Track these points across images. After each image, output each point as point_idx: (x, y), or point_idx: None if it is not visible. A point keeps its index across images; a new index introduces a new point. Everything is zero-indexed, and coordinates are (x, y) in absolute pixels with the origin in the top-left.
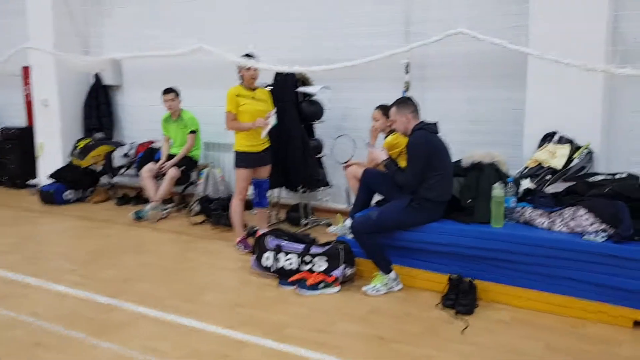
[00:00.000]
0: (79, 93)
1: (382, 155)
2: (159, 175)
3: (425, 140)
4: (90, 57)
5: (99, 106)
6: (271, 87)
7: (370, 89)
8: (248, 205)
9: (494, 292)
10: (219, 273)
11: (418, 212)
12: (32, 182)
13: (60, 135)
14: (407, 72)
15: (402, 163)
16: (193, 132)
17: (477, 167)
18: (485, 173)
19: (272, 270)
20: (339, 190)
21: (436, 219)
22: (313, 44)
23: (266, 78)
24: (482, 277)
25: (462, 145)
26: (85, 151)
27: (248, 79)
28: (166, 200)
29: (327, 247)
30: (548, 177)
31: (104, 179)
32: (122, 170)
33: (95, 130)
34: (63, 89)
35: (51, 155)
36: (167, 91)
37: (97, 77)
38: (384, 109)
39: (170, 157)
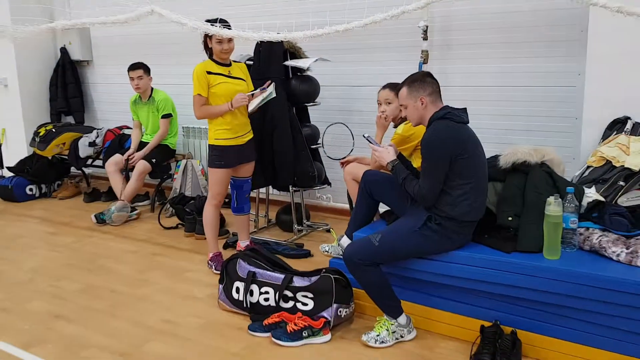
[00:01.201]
0: (43, 70)
1: (387, 155)
2: (127, 169)
3: (448, 135)
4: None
5: (66, 86)
6: (251, 59)
7: (377, 61)
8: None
9: (546, 350)
10: (177, 307)
11: (437, 235)
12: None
13: (23, 120)
14: (424, 38)
15: (418, 162)
16: (167, 116)
17: (521, 169)
18: (533, 178)
19: (244, 305)
20: (343, 188)
21: (463, 244)
22: (301, 6)
23: (245, 49)
24: (528, 327)
25: (498, 137)
26: (46, 139)
27: (218, 53)
28: (141, 196)
29: (314, 279)
30: (621, 182)
31: (75, 171)
32: (89, 162)
33: (63, 113)
34: (23, 65)
35: (14, 144)
36: (133, 67)
37: (64, 52)
38: (394, 89)
39: (143, 146)
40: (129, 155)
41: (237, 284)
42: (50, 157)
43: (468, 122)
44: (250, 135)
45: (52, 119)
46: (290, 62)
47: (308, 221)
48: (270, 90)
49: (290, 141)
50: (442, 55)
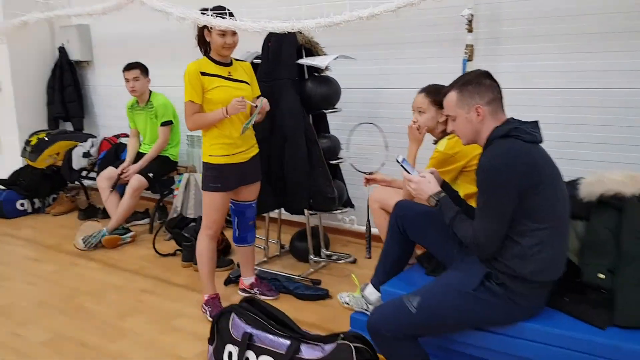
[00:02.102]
0: (39, 72)
1: (428, 187)
2: (116, 185)
3: (516, 160)
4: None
5: (64, 88)
6: (258, 58)
7: (409, 58)
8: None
9: None
10: None
11: (500, 300)
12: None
13: (17, 126)
14: (469, 29)
15: (465, 189)
16: (166, 123)
17: (612, 204)
18: (632, 217)
19: None
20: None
21: (535, 312)
22: None
23: (252, 44)
24: None
25: (563, 153)
26: (38, 149)
27: (219, 48)
28: (140, 214)
29: (329, 348)
30: None
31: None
32: (84, 174)
33: (60, 119)
34: (18, 67)
35: (10, 153)
36: (129, 67)
37: (62, 52)
38: (431, 95)
39: (140, 157)
40: (123, 169)
41: (230, 347)
42: (43, 169)
43: (541, 141)
44: (255, 151)
45: (49, 125)
46: (306, 61)
47: (327, 250)
48: (260, 107)
49: (304, 155)
50: (489, 50)
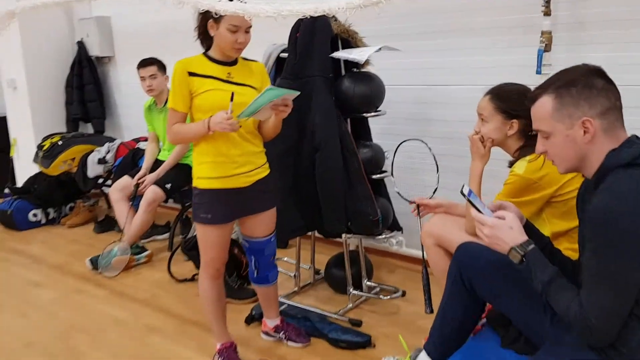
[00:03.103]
0: (57, 69)
1: (509, 234)
2: (135, 196)
3: None
4: None
5: (83, 87)
6: (286, 51)
7: (469, 48)
8: None
9: None
10: None
11: None
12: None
13: (32, 128)
14: (546, 12)
15: (552, 226)
16: None
17: None
18: None
19: None
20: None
21: None
22: None
23: (278, 36)
24: None
25: None
26: (51, 154)
27: (228, 48)
28: (161, 227)
29: None
30: None
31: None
32: (99, 182)
33: (80, 120)
34: (33, 64)
35: (26, 158)
36: (144, 63)
37: (81, 47)
38: (500, 99)
39: (158, 165)
40: (139, 179)
41: None
42: (58, 176)
43: None
44: (264, 173)
45: (67, 127)
46: (342, 54)
47: (370, 280)
48: (270, 92)
49: (340, 169)
50: (572, 38)
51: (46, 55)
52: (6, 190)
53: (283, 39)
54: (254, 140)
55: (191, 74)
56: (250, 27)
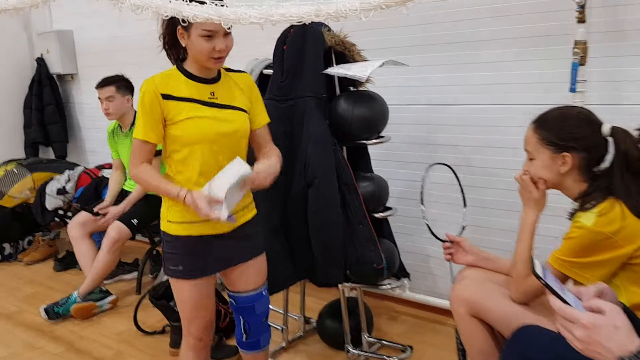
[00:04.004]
0: (13, 88)
1: (614, 338)
2: (96, 232)
3: None
4: None
5: (43, 108)
6: (270, 67)
7: (489, 62)
8: None
9: None
10: None
11: None
12: None
13: None
14: (580, 19)
15: (631, 296)
16: (156, 153)
17: None
18: None
19: None
20: (427, 270)
21: None
22: None
23: (259, 48)
24: None
25: None
26: (5, 184)
27: (205, 59)
28: (128, 265)
29: None
30: None
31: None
32: (57, 216)
33: (40, 144)
34: None
35: None
36: (101, 84)
37: (40, 64)
38: (545, 127)
39: (124, 196)
40: (100, 210)
41: None
42: (12, 207)
43: None
44: (249, 214)
45: (26, 153)
46: (338, 70)
47: (371, 335)
48: (239, 170)
49: (338, 208)
50: (611, 49)
51: (1, 73)
52: None
53: (266, 53)
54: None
55: (165, 96)
56: (230, 29)
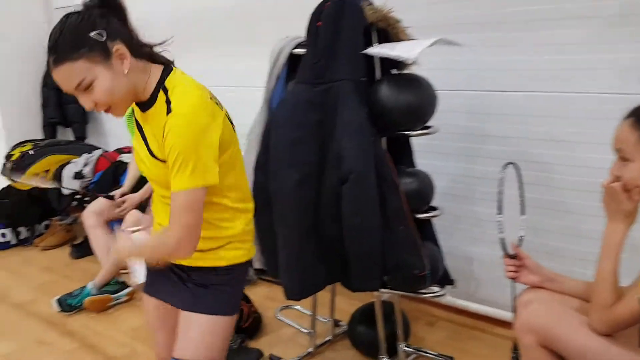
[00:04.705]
0: (31, 66)
1: None
2: (117, 220)
3: None
4: None
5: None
6: (302, 46)
7: (549, 44)
8: None
9: None
10: None
11: None
12: None
13: (4, 133)
14: None
15: None
16: None
17: None
18: None
19: None
20: (472, 279)
21: None
22: None
23: (292, 26)
24: None
25: None
26: (20, 166)
27: None
28: None
29: None
30: None
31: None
32: (74, 201)
33: (58, 125)
34: (3, 58)
35: None
36: None
37: None
38: None
39: (143, 183)
40: (120, 196)
41: None
42: (28, 190)
43: None
44: (204, 261)
45: (44, 133)
46: (382, 50)
47: (407, 342)
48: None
49: (375, 207)
50: None
51: (19, 50)
52: None
53: (298, 31)
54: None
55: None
56: (79, 84)
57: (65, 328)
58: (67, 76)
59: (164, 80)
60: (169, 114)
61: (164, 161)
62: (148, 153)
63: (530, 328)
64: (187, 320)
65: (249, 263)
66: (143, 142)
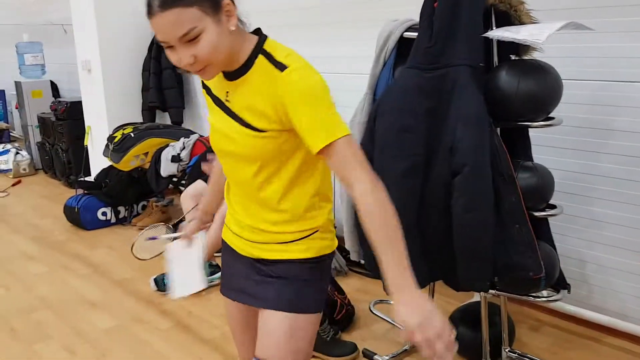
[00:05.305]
0: (133, 51)
1: None
2: None
3: None
4: None
5: (160, 72)
6: (414, 30)
7: None
8: None
9: None
10: None
11: None
12: (84, 179)
13: (107, 115)
14: None
15: None
16: None
17: None
18: None
19: None
20: (585, 284)
21: None
22: None
23: (403, 9)
24: None
25: None
26: (122, 147)
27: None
28: None
29: None
30: None
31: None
32: (171, 183)
33: (157, 109)
34: (107, 43)
35: (100, 146)
36: None
37: None
38: None
39: None
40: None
41: None
42: (129, 172)
43: None
44: (284, 254)
45: (143, 117)
46: (502, 33)
47: (510, 349)
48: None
49: (490, 203)
50: None
51: (122, 35)
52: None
53: (408, 14)
54: (275, 203)
55: (205, 87)
56: (187, 34)
57: (162, 307)
58: (175, 22)
59: (262, 46)
60: (284, 70)
61: (262, 130)
62: (239, 125)
63: None
64: (270, 318)
65: (333, 255)
66: (229, 116)
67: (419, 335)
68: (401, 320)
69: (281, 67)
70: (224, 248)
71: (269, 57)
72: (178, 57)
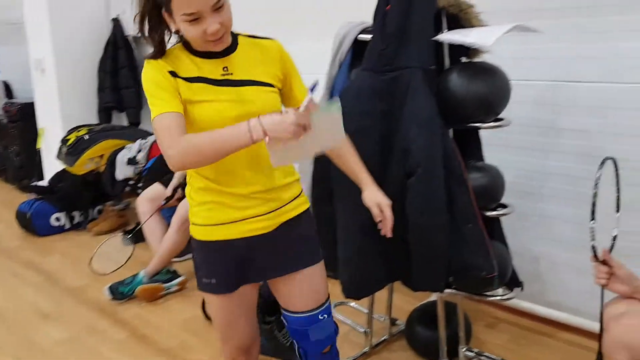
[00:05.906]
0: (88, 50)
1: None
2: (169, 208)
3: None
4: None
5: (117, 71)
6: (368, 32)
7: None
8: None
9: None
10: None
11: None
12: (37, 184)
13: (61, 116)
14: None
15: None
16: None
17: None
18: None
19: None
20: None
21: None
22: None
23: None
24: None
25: None
26: (76, 150)
27: (202, 43)
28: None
29: None
30: None
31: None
32: (128, 187)
33: (113, 110)
34: (62, 42)
35: (54, 149)
36: None
37: (116, 25)
38: None
39: None
40: (174, 188)
41: None
42: (83, 175)
43: None
44: (295, 210)
45: (99, 118)
46: (454, 36)
47: (468, 347)
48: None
49: (443, 204)
50: None
51: (77, 33)
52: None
53: (362, 16)
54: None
55: (173, 74)
56: (218, 1)
57: (117, 316)
58: None
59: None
60: (273, 40)
61: (270, 85)
62: (251, 86)
63: (624, 345)
64: (301, 276)
65: None
66: (235, 85)
67: (387, 209)
68: (380, 199)
69: (266, 39)
70: (215, 249)
71: (248, 36)
72: (203, 27)
